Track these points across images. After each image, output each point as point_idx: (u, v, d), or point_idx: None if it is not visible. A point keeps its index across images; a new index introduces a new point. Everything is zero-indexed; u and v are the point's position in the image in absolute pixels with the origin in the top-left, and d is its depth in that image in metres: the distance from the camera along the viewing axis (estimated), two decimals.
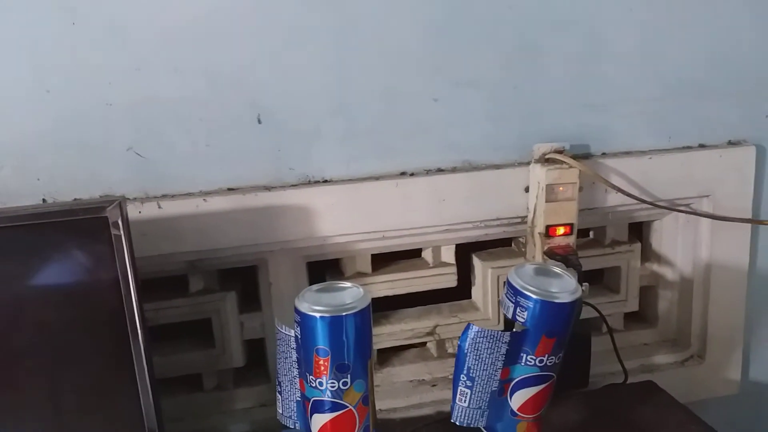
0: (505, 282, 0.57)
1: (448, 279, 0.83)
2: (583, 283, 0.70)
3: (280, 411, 0.57)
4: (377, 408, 0.76)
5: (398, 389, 0.82)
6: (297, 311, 0.51)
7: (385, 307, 0.83)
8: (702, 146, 0.83)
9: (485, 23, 0.73)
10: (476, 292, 0.85)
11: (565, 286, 0.56)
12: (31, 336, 0.57)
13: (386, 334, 0.82)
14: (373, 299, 0.77)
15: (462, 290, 0.86)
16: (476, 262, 0.84)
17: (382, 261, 0.82)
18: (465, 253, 0.85)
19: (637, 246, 0.87)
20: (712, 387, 0.89)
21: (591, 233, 0.90)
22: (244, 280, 0.79)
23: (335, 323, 0.50)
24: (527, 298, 0.54)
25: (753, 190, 0.85)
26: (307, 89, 0.70)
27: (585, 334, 0.74)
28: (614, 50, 0.77)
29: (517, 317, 0.55)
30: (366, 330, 0.51)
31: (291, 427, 0.57)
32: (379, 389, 0.82)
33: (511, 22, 0.73)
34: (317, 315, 0.50)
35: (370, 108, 0.72)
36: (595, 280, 0.91)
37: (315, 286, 0.54)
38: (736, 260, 0.86)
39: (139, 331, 0.58)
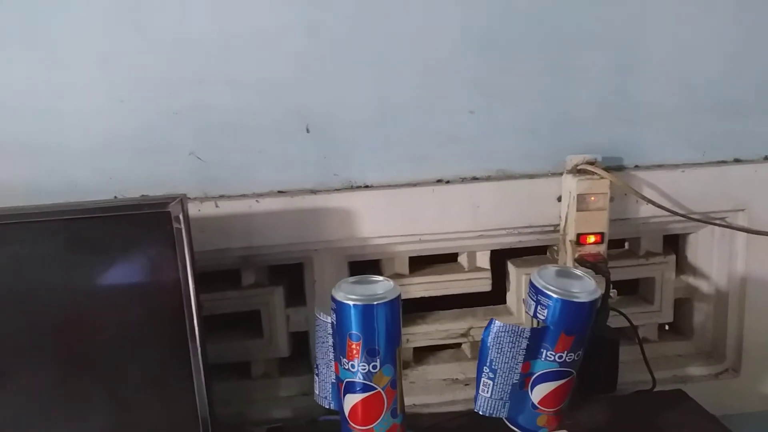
0: (528, 282, 0.61)
1: (482, 283, 0.86)
2: (612, 290, 0.73)
3: (317, 392, 0.62)
4: (412, 403, 0.81)
5: (432, 386, 0.86)
6: (333, 299, 0.57)
7: (422, 308, 0.88)
8: (737, 161, 0.84)
9: (520, 40, 0.77)
10: (510, 297, 0.89)
11: (584, 287, 0.59)
12: (98, 320, 0.63)
13: (422, 333, 0.87)
14: (410, 300, 0.84)
15: (497, 295, 0.89)
16: (511, 268, 0.88)
17: (420, 264, 0.87)
18: (500, 259, 0.88)
19: (672, 258, 0.89)
20: (747, 401, 0.89)
21: (626, 244, 0.92)
22: (291, 276, 0.85)
23: (367, 311, 0.55)
24: (548, 297, 0.58)
25: None
26: (351, 101, 0.76)
27: (613, 340, 0.77)
28: (647, 65, 0.80)
29: (538, 315, 0.59)
30: (395, 319, 0.56)
31: (326, 407, 0.62)
32: (414, 386, 0.86)
33: (545, 38, 0.77)
34: (351, 303, 0.55)
35: (409, 119, 0.78)
36: (631, 290, 0.93)
37: (351, 279, 0.59)
38: None
39: (195, 319, 0.64)
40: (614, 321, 0.79)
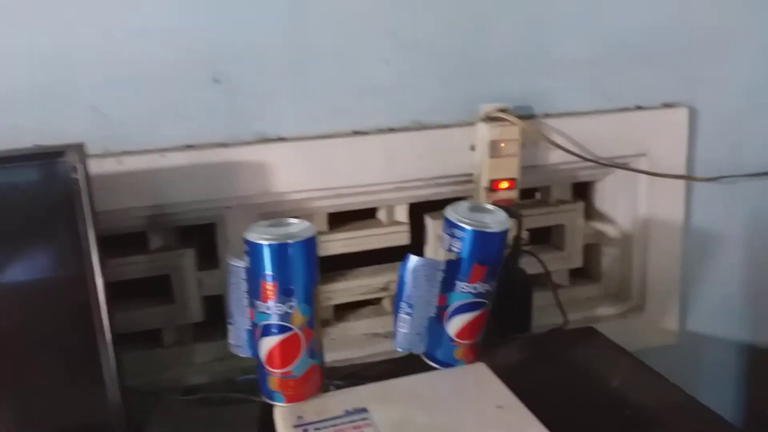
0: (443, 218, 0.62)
1: (401, 237, 0.87)
2: (524, 231, 0.75)
3: (231, 342, 0.60)
4: (333, 360, 0.81)
5: (353, 341, 0.86)
6: (246, 241, 0.55)
7: (342, 267, 0.87)
8: (639, 108, 0.89)
9: None
10: (428, 250, 0.90)
11: (495, 219, 0.60)
12: None
13: (342, 290, 0.86)
14: (330, 258, 0.83)
15: (416, 250, 0.89)
16: (428, 221, 0.88)
17: (339, 221, 0.86)
18: (418, 213, 0.89)
19: (581, 205, 0.92)
20: (652, 337, 0.95)
21: (538, 194, 0.94)
22: (202, 238, 0.82)
23: (281, 250, 0.54)
24: (461, 229, 0.59)
25: (686, 149, 0.90)
26: (262, 50, 0.74)
27: (525, 281, 0.79)
28: (555, 17, 0.82)
29: (453, 248, 0.60)
30: (310, 258, 0.55)
31: (242, 355, 0.60)
32: (335, 342, 0.86)
33: None
34: (264, 243, 0.54)
35: (324, 69, 0.76)
36: (543, 240, 0.96)
37: (264, 222, 0.58)
38: (671, 216, 0.92)
39: (99, 283, 0.60)
40: (528, 268, 0.82)
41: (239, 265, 0.57)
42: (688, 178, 0.91)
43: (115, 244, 0.75)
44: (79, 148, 0.58)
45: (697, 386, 0.67)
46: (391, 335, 0.62)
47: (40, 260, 0.59)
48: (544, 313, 0.87)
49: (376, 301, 0.90)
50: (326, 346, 0.74)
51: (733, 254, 0.98)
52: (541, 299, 0.87)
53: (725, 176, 0.92)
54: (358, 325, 0.87)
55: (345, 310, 0.89)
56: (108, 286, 0.60)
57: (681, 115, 0.89)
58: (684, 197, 0.92)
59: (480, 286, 0.60)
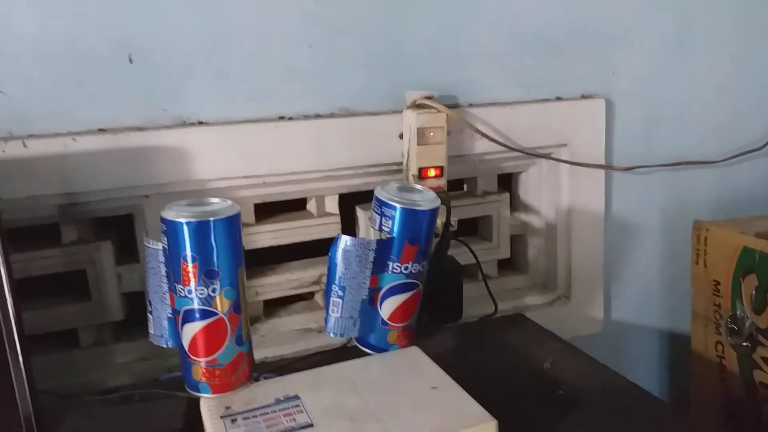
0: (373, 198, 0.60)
1: (332, 229, 0.85)
2: (452, 219, 0.75)
3: (152, 331, 0.57)
4: (263, 356, 0.78)
5: (284, 337, 0.83)
6: (163, 220, 0.52)
7: (273, 260, 0.84)
8: (558, 99, 0.91)
9: None
10: None
11: (425, 197, 0.60)
12: None
13: (272, 284, 0.83)
14: (258, 251, 0.80)
15: None
16: (359, 212, 0.87)
17: (267, 213, 0.83)
18: (349, 205, 0.87)
19: (506, 196, 0.94)
20: (579, 326, 0.97)
21: (465, 187, 0.95)
22: (120, 230, 0.77)
23: (202, 228, 0.51)
24: (392, 207, 0.58)
25: (604, 140, 0.93)
26: (179, 29, 0.71)
27: (455, 269, 0.79)
28: (475, 7, 0.83)
29: (383, 227, 0.58)
30: (234, 236, 0.53)
31: (163, 345, 0.56)
32: (265, 339, 0.82)
33: None
34: (183, 221, 0.51)
35: (245, 51, 0.74)
36: (472, 231, 0.96)
37: (182, 201, 0.54)
38: (592, 205, 0.95)
39: (3, 278, 0.55)
40: (457, 259, 0.82)
41: (156, 246, 0.53)
42: (607, 167, 0.94)
43: (24, 237, 0.69)
44: None
45: (622, 373, 0.68)
46: (324, 330, 0.60)
47: None
48: (474, 304, 0.87)
49: (308, 296, 0.88)
50: (256, 342, 0.71)
51: (651, 243, 1.02)
52: (470, 290, 0.87)
53: (640, 166, 0.96)
54: (289, 321, 0.84)
55: (275, 306, 0.86)
56: (15, 282, 0.55)
57: (598, 107, 0.93)
58: (604, 187, 0.95)
59: (411, 266, 0.59)
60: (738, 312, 0.83)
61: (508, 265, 0.99)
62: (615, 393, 0.65)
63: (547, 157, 0.90)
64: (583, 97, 0.92)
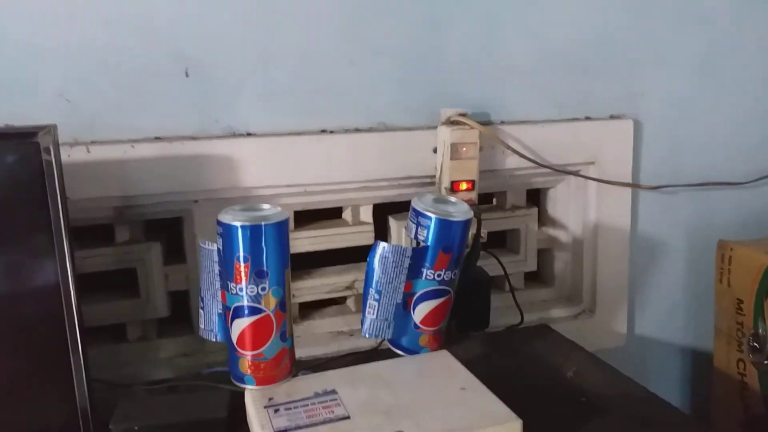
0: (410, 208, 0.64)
1: (365, 237, 0.89)
2: (482, 231, 0.78)
3: (202, 326, 0.61)
4: (299, 356, 0.82)
5: (318, 339, 0.87)
6: (219, 223, 0.56)
7: (308, 265, 0.89)
8: (588, 118, 0.94)
9: None
10: None
11: (459, 209, 0.64)
12: None
13: (308, 288, 0.87)
14: (296, 255, 0.85)
15: None
16: (392, 222, 0.91)
17: (306, 220, 0.88)
18: (382, 214, 0.91)
19: (534, 210, 0.97)
20: (602, 339, 0.99)
21: (494, 200, 0.99)
22: (169, 233, 0.82)
23: (254, 231, 0.55)
24: (427, 218, 0.62)
25: (632, 159, 0.96)
26: (232, 47, 0.76)
27: (484, 279, 0.82)
28: (507, 27, 0.87)
29: (419, 236, 0.62)
30: (283, 240, 0.57)
31: (213, 340, 0.61)
32: (300, 339, 0.86)
33: None
34: (238, 224, 0.55)
35: (291, 68, 0.79)
36: (500, 244, 1.00)
37: (237, 206, 0.59)
38: (619, 222, 0.98)
39: (69, 270, 0.58)
40: (486, 270, 0.85)
41: (211, 247, 0.58)
42: (634, 185, 0.97)
43: (81, 235, 0.74)
44: (51, 130, 0.58)
45: (644, 386, 0.71)
46: (356, 333, 0.63)
47: (8, 244, 0.58)
48: (501, 314, 0.90)
49: (341, 300, 0.92)
50: None
51: (676, 261, 1.04)
52: (498, 300, 0.91)
53: (667, 185, 0.99)
54: (323, 323, 0.88)
55: (310, 309, 0.90)
56: (77, 277, 0.59)
57: (626, 127, 0.95)
58: (630, 205, 0.98)
59: (444, 274, 0.63)
60: (760, 330, 0.85)
61: (535, 278, 1.02)
62: (636, 402, 0.67)
63: (575, 174, 0.94)
64: (612, 117, 0.95)
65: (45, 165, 0.58)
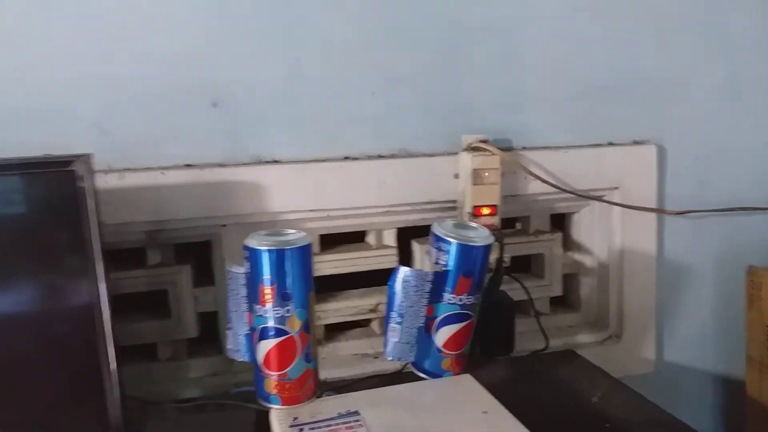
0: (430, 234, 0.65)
1: (389, 260, 0.90)
2: (505, 255, 0.79)
3: (229, 346, 0.63)
4: (324, 377, 0.83)
5: (343, 361, 0.88)
6: (246, 248, 0.58)
7: (333, 288, 0.90)
8: (611, 144, 0.94)
9: (417, 27, 0.83)
10: None
11: (479, 234, 0.64)
12: None
13: (332, 310, 0.89)
14: (320, 278, 0.86)
15: None
16: (415, 246, 0.92)
17: (330, 244, 0.89)
18: (405, 238, 0.92)
19: (559, 235, 0.97)
20: (630, 365, 0.98)
21: (518, 225, 0.99)
22: (198, 256, 0.85)
23: (279, 255, 0.57)
24: (447, 242, 0.63)
25: (656, 185, 0.96)
26: (259, 79, 0.79)
27: (508, 303, 0.82)
28: (528, 56, 0.89)
29: (439, 261, 0.63)
30: (306, 264, 0.59)
31: (239, 359, 0.62)
32: (325, 361, 0.88)
33: (439, 27, 0.84)
34: (264, 248, 0.57)
35: (316, 98, 0.82)
36: (524, 269, 1.00)
37: (263, 231, 0.61)
38: (644, 247, 0.97)
39: (103, 292, 0.60)
40: (511, 295, 0.85)
41: (239, 271, 0.60)
42: (659, 211, 0.96)
43: (114, 258, 0.77)
44: (86, 159, 0.61)
45: (674, 414, 0.70)
46: (380, 355, 0.64)
47: (46, 266, 0.61)
48: (526, 339, 0.90)
49: (365, 323, 0.93)
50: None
51: (705, 287, 1.03)
52: (523, 325, 0.90)
53: (693, 211, 0.98)
54: (347, 346, 0.89)
55: (335, 331, 0.91)
56: (111, 299, 0.62)
57: (650, 152, 0.95)
58: (656, 230, 0.97)
59: (465, 298, 0.63)
60: None
61: (561, 303, 1.01)
62: (662, 429, 0.67)
63: (599, 199, 0.94)
64: (635, 143, 0.95)
65: (80, 192, 0.61)
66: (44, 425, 0.62)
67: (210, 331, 0.85)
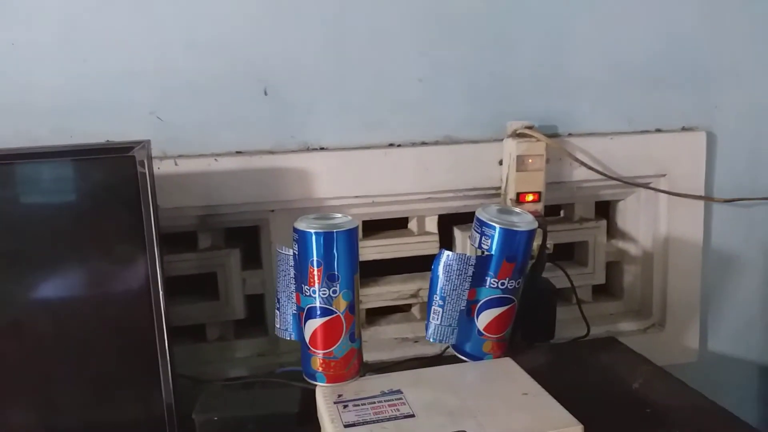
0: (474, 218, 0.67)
1: (430, 246, 0.92)
2: (548, 242, 0.80)
3: (278, 325, 0.65)
4: (365, 360, 0.85)
5: (384, 345, 0.90)
6: (295, 230, 0.61)
7: (375, 273, 0.92)
8: (659, 130, 0.93)
9: (462, 13, 0.84)
10: None
11: (523, 219, 0.65)
12: (61, 270, 0.62)
13: (374, 294, 0.91)
14: (363, 263, 0.88)
15: None
16: (457, 233, 0.93)
17: (373, 230, 0.91)
18: (447, 225, 0.94)
19: (603, 223, 0.97)
20: (672, 354, 0.97)
21: (562, 212, 0.99)
22: (246, 240, 0.88)
23: (327, 237, 0.59)
24: (491, 227, 0.64)
25: (705, 172, 0.94)
26: (307, 68, 0.81)
27: (550, 290, 0.83)
28: (576, 41, 0.88)
29: (483, 245, 0.64)
30: (353, 247, 0.61)
31: (287, 338, 0.65)
32: (367, 344, 0.89)
33: (485, 14, 0.85)
34: (312, 231, 0.59)
35: (362, 86, 0.83)
36: (568, 257, 1.00)
37: (311, 215, 0.63)
38: (691, 236, 0.96)
39: (158, 274, 0.63)
40: (554, 283, 0.86)
41: (288, 252, 0.62)
42: (707, 198, 0.95)
43: (167, 241, 0.80)
44: (145, 145, 0.65)
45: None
46: (421, 340, 0.66)
47: (105, 248, 0.65)
48: (568, 327, 0.90)
49: (406, 308, 0.94)
50: None
51: (753, 276, 1.01)
52: (565, 313, 0.91)
53: (743, 198, 0.96)
54: (388, 330, 0.92)
55: (377, 315, 0.93)
56: (165, 280, 0.65)
57: (699, 139, 0.94)
58: (703, 218, 0.96)
59: (508, 282, 0.64)
60: None
61: (603, 291, 1.01)
62: (703, 415, 0.67)
63: (646, 186, 0.93)
64: (684, 129, 0.94)
65: (140, 177, 0.64)
66: (101, 401, 0.66)
67: (257, 313, 0.89)
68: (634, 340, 0.93)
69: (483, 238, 0.64)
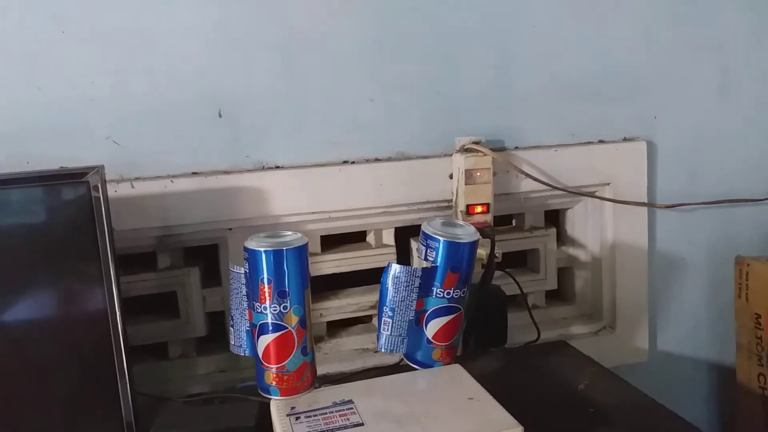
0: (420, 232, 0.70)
1: (388, 258, 0.94)
2: (497, 251, 0.83)
3: (233, 342, 0.67)
4: (326, 372, 0.87)
5: (345, 356, 0.92)
6: (246, 249, 0.63)
7: (335, 286, 0.94)
8: (601, 142, 0.98)
9: (410, 36, 0.88)
10: None
11: (466, 231, 0.68)
12: (12, 297, 0.63)
13: (334, 307, 0.93)
14: (322, 277, 0.91)
15: None
16: (413, 244, 0.96)
17: (332, 244, 0.94)
18: (404, 237, 0.97)
19: (553, 231, 1.00)
20: (623, 355, 1.01)
21: (513, 222, 1.03)
22: (206, 258, 0.90)
23: (277, 255, 0.61)
24: (435, 240, 0.67)
25: (646, 180, 0.99)
26: (261, 89, 0.84)
27: (500, 297, 0.86)
28: (519, 59, 0.92)
29: (428, 257, 0.67)
30: (303, 263, 0.63)
31: (242, 354, 0.67)
32: (328, 356, 0.92)
33: (431, 35, 0.88)
34: (262, 249, 0.62)
35: (316, 107, 0.86)
36: (521, 264, 1.04)
37: (262, 233, 0.66)
38: (636, 241, 1.00)
39: (115, 295, 0.65)
40: (506, 290, 0.90)
41: (239, 271, 0.65)
42: (650, 205, 0.99)
43: (126, 263, 0.82)
44: (99, 170, 0.66)
45: (668, 404, 0.72)
46: (380, 353, 0.68)
47: (61, 272, 0.66)
48: (522, 332, 0.94)
49: (366, 319, 0.97)
50: (319, 360, 0.82)
51: (697, 278, 1.06)
52: (519, 318, 0.94)
53: (684, 204, 1.01)
54: (349, 341, 0.94)
55: (337, 327, 0.95)
56: (122, 301, 0.66)
57: (640, 149, 0.99)
58: (647, 224, 1.00)
59: (453, 292, 0.67)
60: None
61: (556, 296, 1.05)
62: (644, 413, 0.70)
63: (591, 195, 0.97)
64: (625, 140, 0.99)
65: (94, 201, 0.66)
66: (61, 421, 0.67)
67: (218, 329, 0.90)
68: (586, 342, 0.97)
69: (428, 251, 0.67)
